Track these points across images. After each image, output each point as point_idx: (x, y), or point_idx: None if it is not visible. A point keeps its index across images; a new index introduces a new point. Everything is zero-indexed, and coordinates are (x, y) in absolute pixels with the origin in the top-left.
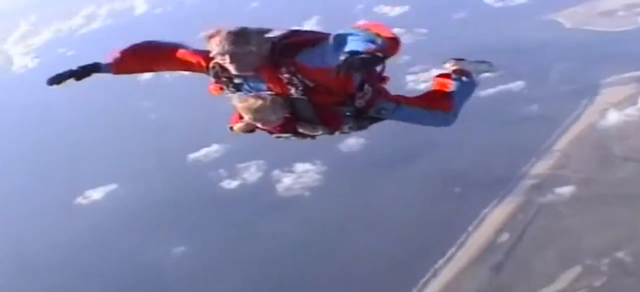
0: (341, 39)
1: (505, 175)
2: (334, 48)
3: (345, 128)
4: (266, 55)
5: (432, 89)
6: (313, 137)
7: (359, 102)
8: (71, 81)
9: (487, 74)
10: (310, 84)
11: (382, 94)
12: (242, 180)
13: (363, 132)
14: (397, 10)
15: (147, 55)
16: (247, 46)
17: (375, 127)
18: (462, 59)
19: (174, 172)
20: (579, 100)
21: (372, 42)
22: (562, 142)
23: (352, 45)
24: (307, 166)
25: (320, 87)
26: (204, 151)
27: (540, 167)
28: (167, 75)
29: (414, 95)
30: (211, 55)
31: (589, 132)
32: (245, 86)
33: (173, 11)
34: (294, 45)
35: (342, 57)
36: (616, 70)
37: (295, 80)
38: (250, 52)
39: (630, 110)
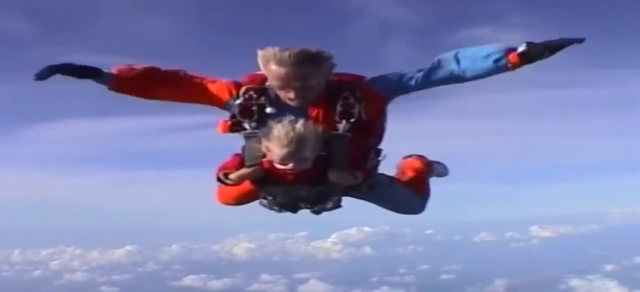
0: (449, 57)
1: None
2: (430, 70)
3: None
4: (324, 85)
5: (411, 174)
6: (335, 196)
7: (368, 165)
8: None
9: (442, 177)
10: (364, 118)
11: (376, 168)
12: None
13: None
14: None
15: (156, 76)
16: (319, 70)
17: None
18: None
19: None
20: None
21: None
22: None
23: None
24: None
25: (366, 126)
26: None
27: None
28: None
29: (395, 176)
30: (272, 78)
31: None
32: (278, 119)
33: None
34: (355, 78)
35: (522, 48)
36: None
37: (355, 110)
38: (319, 77)
39: None
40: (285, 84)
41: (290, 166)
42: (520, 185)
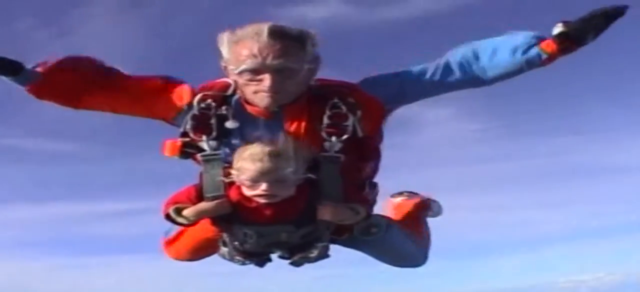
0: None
1: None
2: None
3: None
4: (305, 83)
5: (403, 216)
6: (323, 241)
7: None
8: None
9: (436, 216)
10: (360, 134)
11: (373, 205)
12: None
13: None
14: None
15: (93, 77)
16: (302, 51)
17: None
18: (416, 193)
19: None
20: None
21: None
22: None
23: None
24: None
25: (362, 146)
26: None
27: None
28: None
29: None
30: (241, 60)
31: None
32: (242, 133)
33: None
34: (345, 82)
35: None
36: None
37: (349, 123)
38: (301, 61)
39: None
40: (259, 65)
41: (264, 187)
42: (465, 260)
